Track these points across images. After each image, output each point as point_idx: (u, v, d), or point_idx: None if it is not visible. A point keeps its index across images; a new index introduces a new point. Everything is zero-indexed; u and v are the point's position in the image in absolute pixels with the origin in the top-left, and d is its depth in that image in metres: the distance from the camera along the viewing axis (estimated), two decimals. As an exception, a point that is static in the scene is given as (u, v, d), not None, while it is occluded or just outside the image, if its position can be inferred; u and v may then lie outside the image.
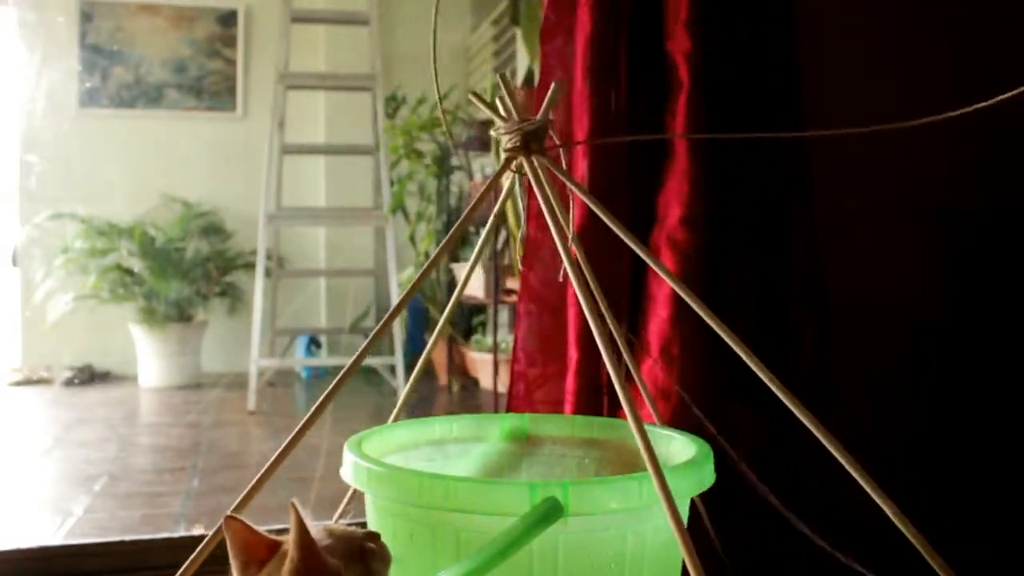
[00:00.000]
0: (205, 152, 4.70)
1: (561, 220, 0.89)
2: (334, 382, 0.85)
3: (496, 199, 1.02)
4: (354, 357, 0.87)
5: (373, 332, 0.89)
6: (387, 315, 0.89)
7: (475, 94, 0.95)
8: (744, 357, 0.84)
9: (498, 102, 0.91)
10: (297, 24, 4.13)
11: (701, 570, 0.65)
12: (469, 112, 4.35)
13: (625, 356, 0.99)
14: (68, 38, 4.59)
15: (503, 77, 0.93)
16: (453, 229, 0.97)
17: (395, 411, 1.04)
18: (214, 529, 0.78)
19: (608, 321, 0.92)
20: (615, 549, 0.77)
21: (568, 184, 0.92)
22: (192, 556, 0.83)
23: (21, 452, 3.12)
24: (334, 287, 4.82)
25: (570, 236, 0.89)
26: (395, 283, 3.93)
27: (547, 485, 0.73)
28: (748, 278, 1.23)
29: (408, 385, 1.05)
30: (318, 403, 0.84)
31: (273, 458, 0.83)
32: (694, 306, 0.87)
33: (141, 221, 4.51)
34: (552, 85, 0.92)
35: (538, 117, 0.91)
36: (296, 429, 0.84)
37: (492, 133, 0.94)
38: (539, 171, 0.90)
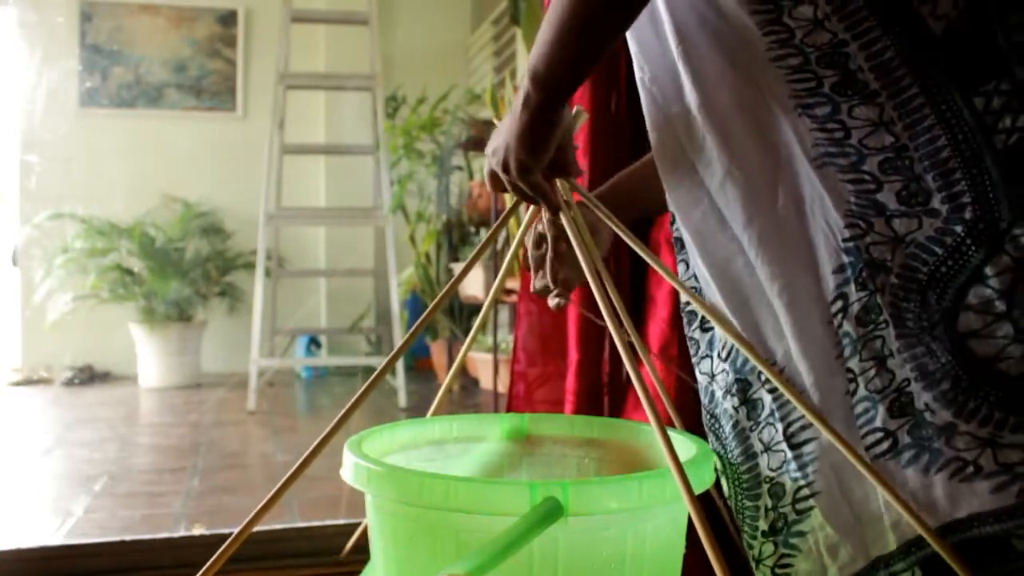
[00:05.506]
0: (205, 152, 4.70)
1: (587, 235, 0.90)
2: (368, 380, 0.87)
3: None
4: (390, 356, 0.91)
5: (410, 332, 0.92)
6: (422, 317, 0.89)
7: None
8: (749, 355, 0.84)
9: None
10: (297, 24, 4.13)
11: (726, 568, 0.66)
12: (469, 112, 4.35)
13: (643, 359, 0.99)
14: (68, 38, 4.59)
15: None
16: (485, 239, 0.98)
17: (433, 407, 1.07)
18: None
19: (626, 324, 0.92)
20: (615, 549, 0.77)
21: (584, 199, 0.93)
22: (215, 555, 0.83)
23: (21, 452, 3.12)
24: (334, 287, 4.82)
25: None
26: (395, 283, 3.93)
27: (547, 485, 0.73)
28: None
29: (446, 382, 1.08)
30: (352, 401, 0.86)
31: (305, 455, 0.85)
32: (696, 305, 0.87)
33: (141, 221, 4.52)
34: (576, 109, 0.93)
35: None
36: (330, 426, 0.86)
37: None
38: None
